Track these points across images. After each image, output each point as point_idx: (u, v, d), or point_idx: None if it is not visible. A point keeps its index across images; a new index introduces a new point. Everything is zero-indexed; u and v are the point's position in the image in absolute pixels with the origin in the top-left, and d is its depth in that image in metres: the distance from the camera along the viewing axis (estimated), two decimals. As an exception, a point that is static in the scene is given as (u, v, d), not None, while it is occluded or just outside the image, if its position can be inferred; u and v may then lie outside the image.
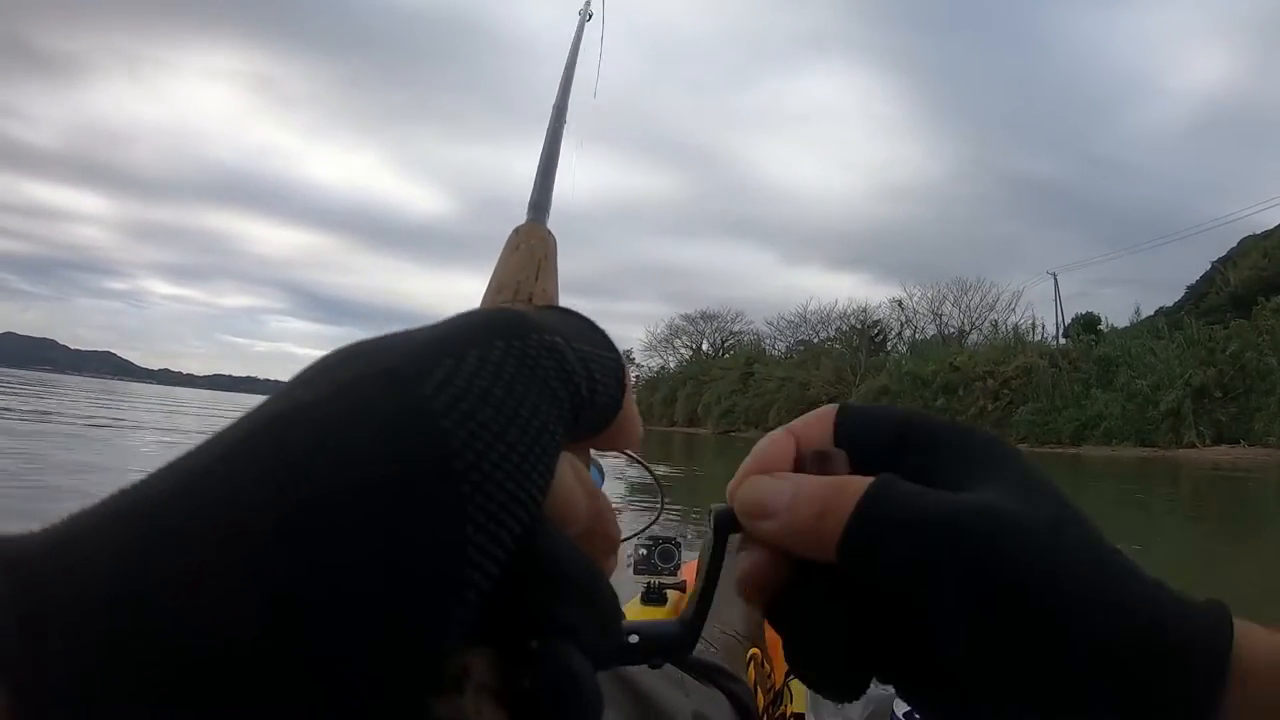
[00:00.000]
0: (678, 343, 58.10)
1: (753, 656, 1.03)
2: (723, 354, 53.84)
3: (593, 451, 0.28)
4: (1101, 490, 11.66)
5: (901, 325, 40.81)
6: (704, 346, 56.49)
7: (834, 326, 43.67)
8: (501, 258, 0.30)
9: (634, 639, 0.27)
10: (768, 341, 50.11)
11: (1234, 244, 32.90)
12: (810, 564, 0.24)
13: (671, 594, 1.38)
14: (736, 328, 55.24)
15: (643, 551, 1.39)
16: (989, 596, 0.22)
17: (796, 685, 1.04)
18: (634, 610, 1.33)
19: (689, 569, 1.39)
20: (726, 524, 0.27)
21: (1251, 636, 0.23)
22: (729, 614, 1.19)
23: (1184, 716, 0.22)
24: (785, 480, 0.25)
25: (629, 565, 1.39)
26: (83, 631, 0.13)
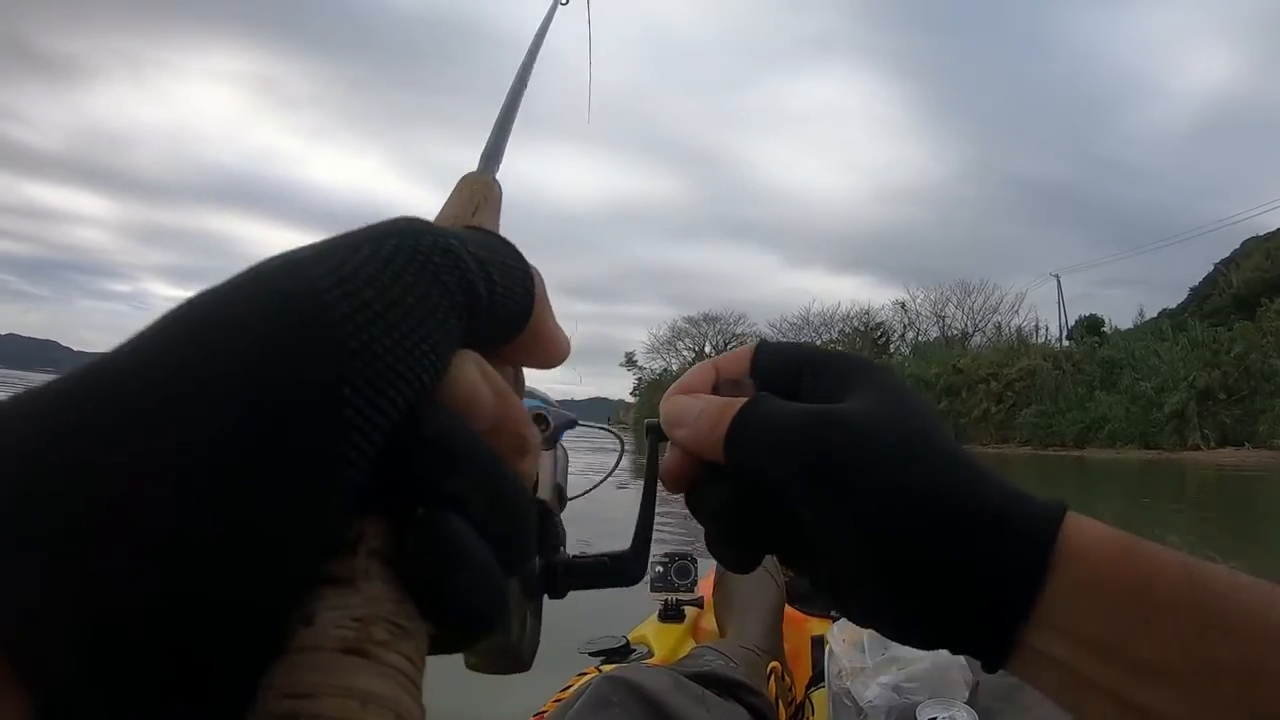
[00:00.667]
0: (680, 345, 58.08)
1: (773, 670, 1.05)
2: (725, 356, 53.78)
3: (537, 388, 0.36)
4: (1109, 494, 11.65)
5: (904, 327, 40.71)
6: (706, 349, 56.43)
7: (837, 329, 43.65)
8: (448, 200, 0.33)
9: (584, 557, 0.33)
10: (770, 344, 50.06)
11: (1237, 245, 32.80)
12: (712, 463, 0.31)
13: (690, 610, 1.39)
14: (739, 330, 55.18)
15: (659, 569, 1.40)
16: (820, 482, 0.28)
17: (818, 697, 1.06)
18: (651, 627, 1.34)
19: (705, 585, 1.41)
20: (655, 433, 0.35)
21: (1085, 525, 0.27)
22: (749, 628, 1.21)
23: (1015, 585, 0.27)
24: (697, 399, 0.33)
25: (645, 583, 1.40)
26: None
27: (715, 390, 0.33)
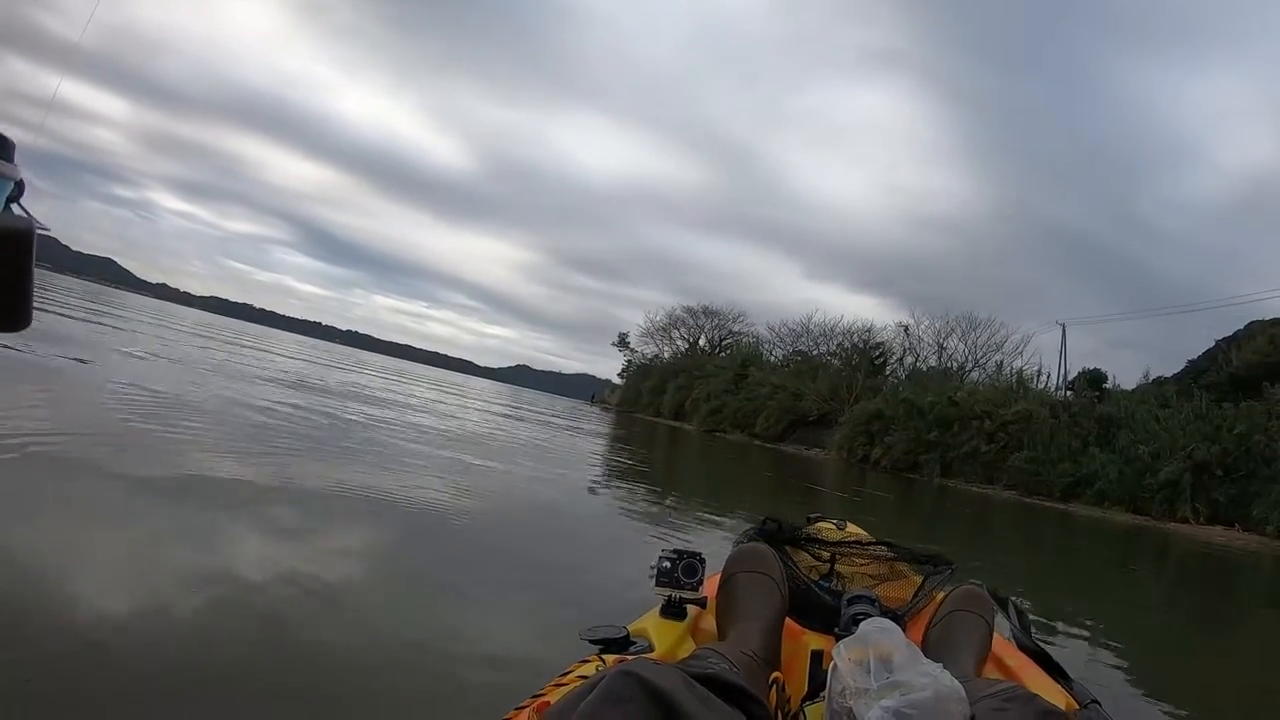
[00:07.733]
0: (675, 333, 57.82)
1: (775, 680, 1.06)
2: (719, 352, 53.50)
3: None
4: (1091, 559, 11.63)
5: (904, 351, 40.56)
6: (701, 342, 56.15)
7: (835, 341, 43.45)
8: None
9: None
10: (766, 346, 49.79)
11: (1241, 325, 32.28)
12: None
13: (691, 609, 1.39)
14: (737, 327, 54.91)
15: (666, 565, 1.40)
16: None
17: (813, 712, 1.07)
18: (652, 622, 1.35)
19: (711, 584, 1.42)
20: None
21: None
22: (750, 635, 1.22)
23: None
24: None
25: (651, 578, 1.40)
26: None
27: None
